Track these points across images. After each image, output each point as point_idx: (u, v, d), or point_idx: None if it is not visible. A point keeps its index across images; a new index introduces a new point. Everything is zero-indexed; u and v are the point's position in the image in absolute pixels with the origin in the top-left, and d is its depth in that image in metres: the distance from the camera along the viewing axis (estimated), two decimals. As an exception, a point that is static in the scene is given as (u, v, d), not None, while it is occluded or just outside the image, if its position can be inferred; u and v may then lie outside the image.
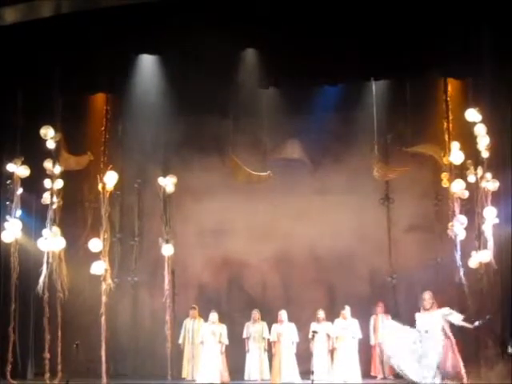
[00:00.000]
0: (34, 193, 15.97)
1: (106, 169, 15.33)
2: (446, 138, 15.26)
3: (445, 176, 15.42)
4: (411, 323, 13.37)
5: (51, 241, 14.95)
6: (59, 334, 15.17)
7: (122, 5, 14.37)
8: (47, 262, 14.84)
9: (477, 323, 13.14)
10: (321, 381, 14.36)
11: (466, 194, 14.98)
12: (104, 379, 14.64)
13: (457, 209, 14.88)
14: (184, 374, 16.20)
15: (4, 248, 15.45)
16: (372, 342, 15.87)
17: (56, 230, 15.00)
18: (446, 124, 15.36)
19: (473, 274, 14.71)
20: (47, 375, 14.94)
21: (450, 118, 15.38)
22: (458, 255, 14.69)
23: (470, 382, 12.68)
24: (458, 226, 14.79)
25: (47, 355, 15.03)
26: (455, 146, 15.06)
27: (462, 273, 14.57)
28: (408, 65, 15.06)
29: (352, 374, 14.90)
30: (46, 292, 14.83)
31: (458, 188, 14.96)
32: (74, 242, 15.89)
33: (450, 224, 14.99)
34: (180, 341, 16.30)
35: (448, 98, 15.50)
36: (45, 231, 15.03)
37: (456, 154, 15.06)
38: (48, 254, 14.91)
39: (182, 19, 14.70)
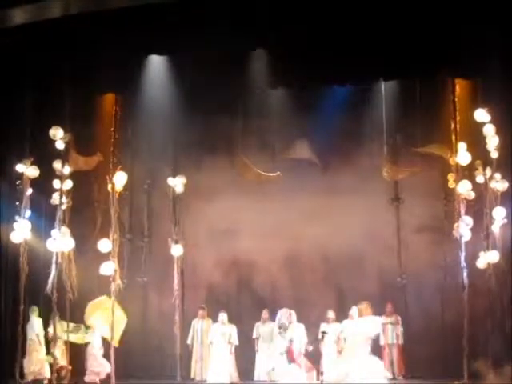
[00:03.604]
0: (43, 193, 15.92)
1: (116, 169, 15.32)
2: (453, 139, 15.21)
3: (451, 177, 15.37)
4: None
5: (60, 241, 14.97)
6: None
7: (131, 6, 14.38)
8: (56, 263, 14.87)
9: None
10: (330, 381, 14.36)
11: (473, 195, 14.92)
12: (113, 379, 14.66)
13: (463, 209, 14.83)
14: (192, 375, 16.22)
15: (13, 249, 15.47)
16: (381, 343, 15.85)
17: (65, 230, 15.01)
18: (453, 124, 15.31)
19: (481, 274, 14.68)
20: (54, 375, 15.00)
21: (459, 118, 15.38)
22: (462, 256, 14.65)
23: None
24: (464, 227, 14.75)
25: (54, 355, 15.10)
26: (462, 146, 15.01)
27: (465, 274, 14.53)
28: (417, 65, 15.05)
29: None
30: (54, 293, 14.86)
31: (464, 189, 14.90)
32: (83, 243, 15.85)
33: (455, 225, 14.94)
34: (188, 341, 16.32)
35: (456, 99, 15.49)
36: (54, 232, 15.06)
37: (463, 155, 15.00)
38: (57, 254, 14.93)
39: (191, 20, 14.69)
